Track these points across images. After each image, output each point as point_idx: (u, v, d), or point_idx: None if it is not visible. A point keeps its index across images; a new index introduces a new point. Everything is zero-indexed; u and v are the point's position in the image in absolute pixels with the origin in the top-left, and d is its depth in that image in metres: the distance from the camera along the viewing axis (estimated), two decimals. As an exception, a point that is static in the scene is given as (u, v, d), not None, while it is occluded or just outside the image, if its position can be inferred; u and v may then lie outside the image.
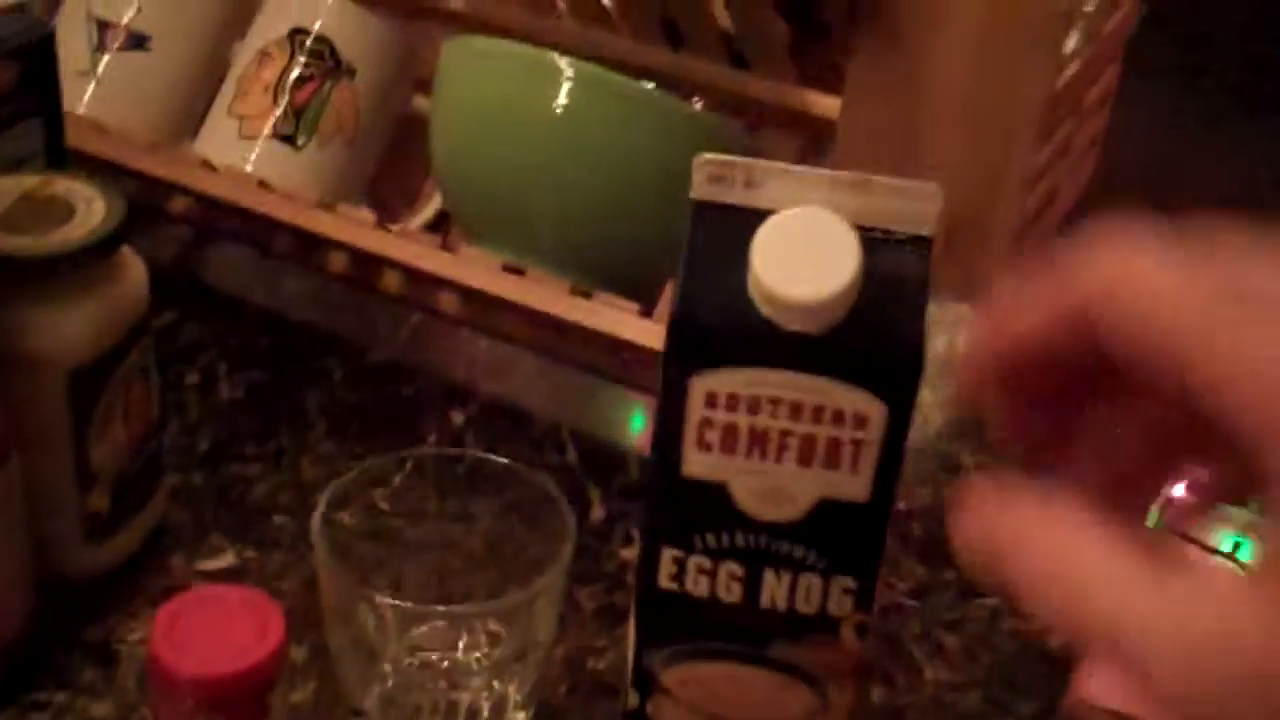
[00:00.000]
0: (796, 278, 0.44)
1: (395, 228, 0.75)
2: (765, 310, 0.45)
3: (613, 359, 0.66)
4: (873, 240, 0.46)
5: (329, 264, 0.74)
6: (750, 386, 0.46)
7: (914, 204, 0.46)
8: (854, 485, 0.47)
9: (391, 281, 0.73)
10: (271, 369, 0.76)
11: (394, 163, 0.81)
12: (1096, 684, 0.58)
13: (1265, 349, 0.29)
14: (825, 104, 0.70)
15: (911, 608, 0.66)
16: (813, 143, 0.74)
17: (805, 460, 0.46)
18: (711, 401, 0.46)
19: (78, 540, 0.60)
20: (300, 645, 0.60)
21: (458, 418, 0.75)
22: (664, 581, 0.49)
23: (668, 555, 0.49)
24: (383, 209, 0.81)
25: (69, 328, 0.56)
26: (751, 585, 0.49)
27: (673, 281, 0.65)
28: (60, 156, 0.62)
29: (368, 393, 0.76)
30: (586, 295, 0.64)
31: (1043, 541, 0.32)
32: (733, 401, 0.46)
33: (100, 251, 0.56)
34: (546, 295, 0.63)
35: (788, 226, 0.45)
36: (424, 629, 0.56)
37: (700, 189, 0.47)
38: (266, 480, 0.69)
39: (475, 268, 0.64)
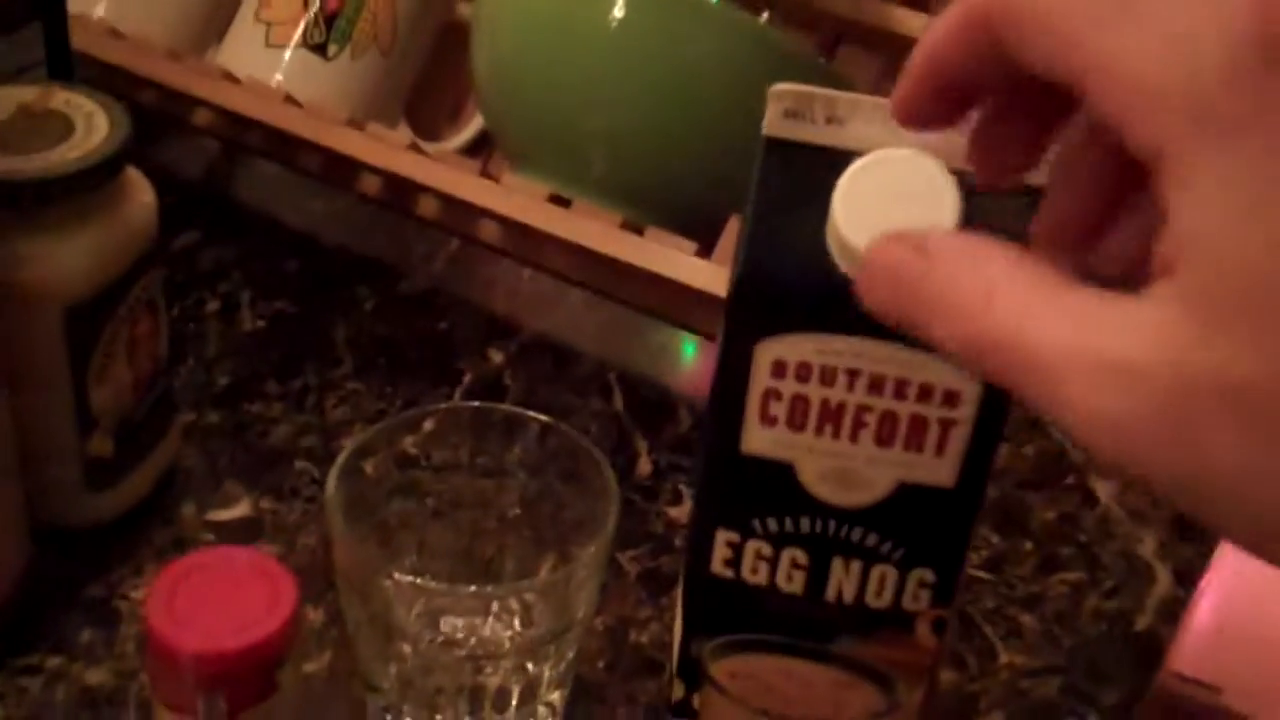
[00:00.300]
0: (885, 231, 0.38)
1: (432, 149, 0.69)
2: (846, 268, 0.39)
3: (667, 299, 0.60)
4: (974, 187, 0.39)
5: (360, 185, 0.69)
6: (824, 355, 0.40)
7: None
8: (939, 470, 0.41)
9: (428, 207, 0.67)
10: (298, 297, 0.71)
11: (435, 75, 0.75)
12: (1189, 656, 0.52)
13: (1126, 38, 0.26)
14: (911, 21, 0.63)
15: (985, 581, 0.60)
16: (895, 64, 0.67)
17: (884, 440, 0.41)
18: (779, 370, 0.40)
19: (78, 487, 0.55)
20: (317, 608, 0.55)
21: (496, 356, 0.69)
22: (717, 566, 0.44)
23: (722, 538, 0.43)
24: (422, 126, 0.75)
25: (65, 258, 0.50)
26: (817, 575, 0.43)
27: (736, 221, 0.59)
28: (64, 67, 0.56)
29: (400, 325, 0.70)
30: (639, 231, 0.58)
31: (949, 251, 0.30)
32: (804, 371, 0.40)
33: (100, 174, 0.50)
34: (595, 230, 0.57)
35: (876, 171, 0.38)
36: (448, 602, 0.51)
37: (774, 124, 0.40)
38: (288, 421, 0.64)
39: (517, 198, 0.58)
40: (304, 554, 0.58)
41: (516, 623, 0.50)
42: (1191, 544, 0.63)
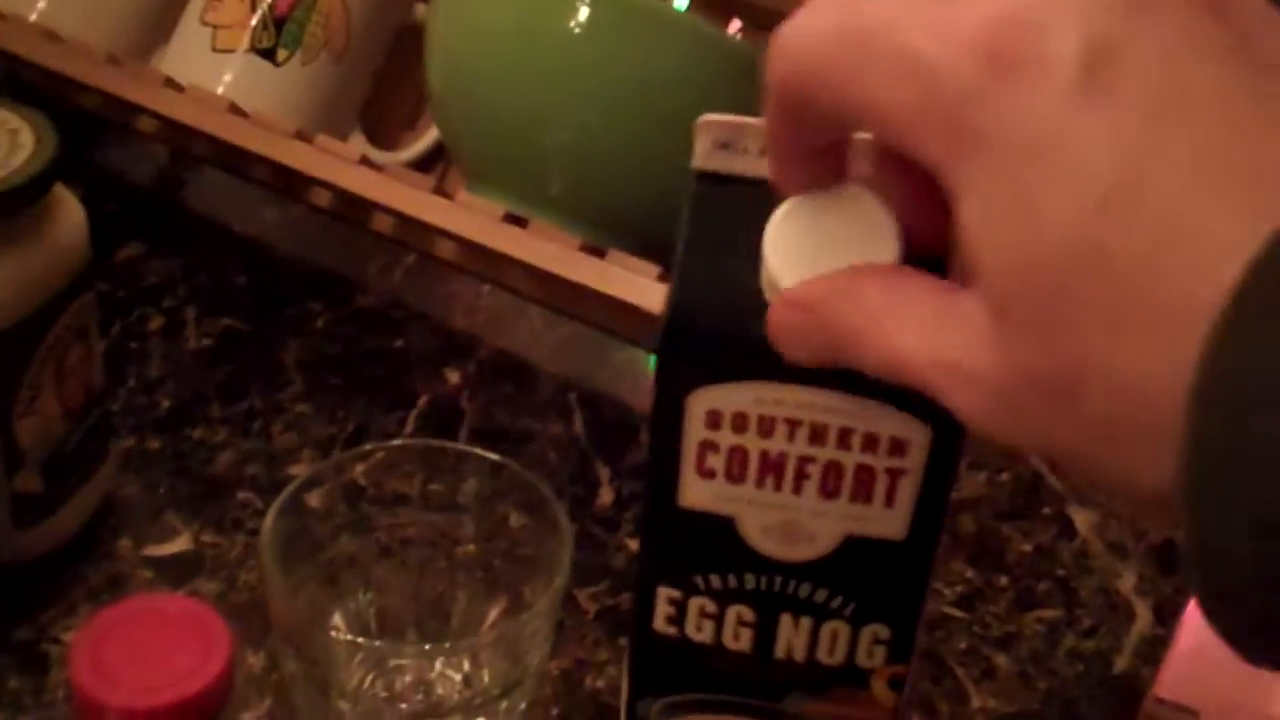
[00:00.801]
0: (820, 273, 0.35)
1: (387, 158, 0.66)
2: None
3: (628, 321, 0.57)
4: None
5: (312, 198, 0.66)
6: (763, 405, 0.37)
7: None
8: (889, 521, 0.38)
9: (382, 222, 0.64)
10: (246, 314, 0.68)
11: (391, 80, 0.72)
12: (1174, 681, 0.50)
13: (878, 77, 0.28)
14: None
15: (958, 619, 0.58)
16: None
17: (830, 492, 0.38)
18: (714, 421, 0.37)
19: (4, 525, 0.52)
20: (257, 653, 0.52)
21: (453, 376, 0.66)
22: (660, 624, 0.41)
23: (664, 595, 0.41)
24: (378, 133, 0.72)
25: (-14, 286, 0.47)
26: (764, 632, 0.41)
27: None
28: (-11, 77, 0.53)
29: (353, 343, 0.67)
30: (599, 253, 0.55)
31: (824, 295, 0.32)
32: (741, 421, 0.37)
33: (24, 196, 0.47)
34: (553, 252, 0.54)
35: (809, 208, 0.36)
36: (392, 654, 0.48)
37: (705, 157, 0.38)
38: (232, 448, 0.61)
39: (473, 217, 0.55)
40: (244, 591, 0.55)
41: (466, 666, 0.48)
42: (1173, 578, 0.60)
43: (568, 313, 0.63)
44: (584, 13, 0.56)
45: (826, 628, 0.40)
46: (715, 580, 0.40)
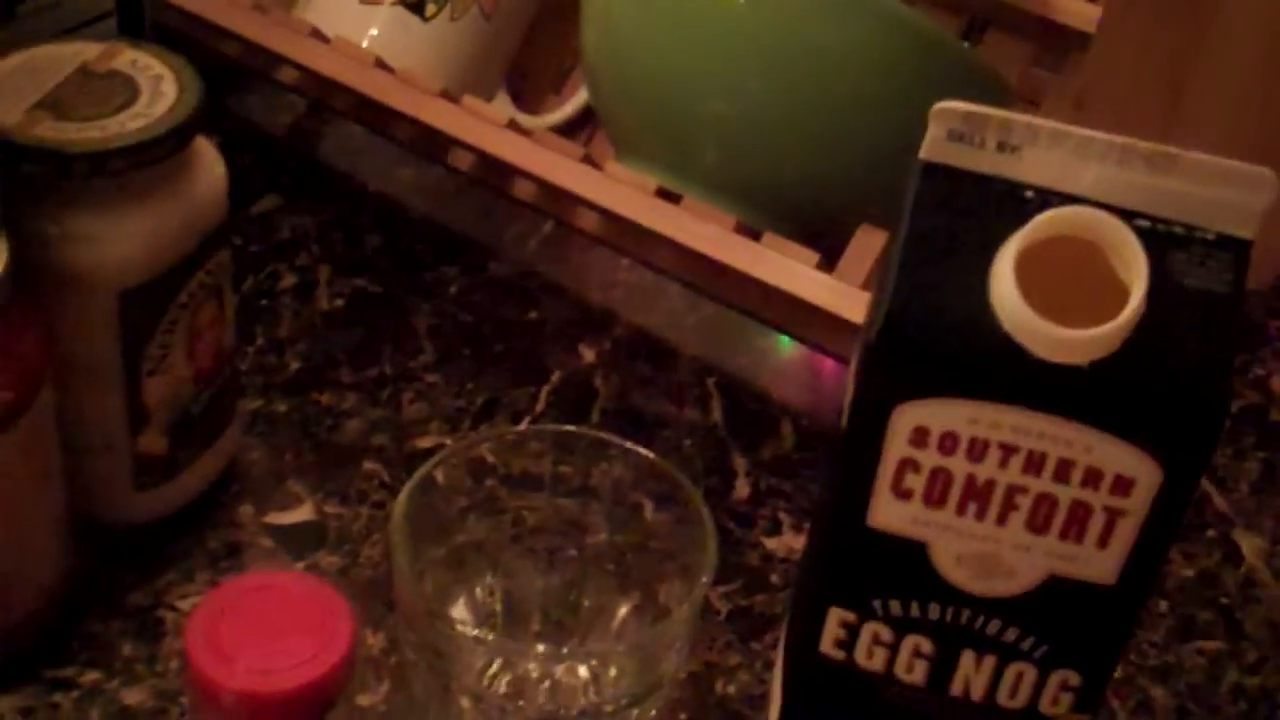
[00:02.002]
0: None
1: (534, 122, 0.63)
2: (1010, 328, 0.33)
3: (781, 309, 0.54)
4: (1170, 238, 0.33)
5: (453, 160, 0.63)
6: (976, 426, 0.34)
7: (1233, 192, 0.33)
8: (1099, 564, 0.35)
9: (524, 189, 0.62)
10: (379, 275, 0.66)
11: (540, 40, 0.69)
12: None
13: None
14: (1076, 9, 0.56)
15: (1114, 645, 0.54)
16: (1049, 51, 0.60)
17: (1038, 526, 0.35)
18: (920, 439, 0.34)
19: (126, 487, 0.50)
20: (376, 633, 0.50)
21: (588, 353, 0.64)
22: (827, 646, 0.38)
23: (836, 617, 0.38)
24: (524, 95, 0.69)
25: (121, 239, 0.45)
26: (942, 666, 0.38)
27: (866, 233, 0.53)
28: (135, 21, 0.51)
29: (486, 312, 0.65)
30: (754, 235, 0.52)
31: None
32: (949, 442, 0.34)
33: (164, 146, 0.45)
34: (706, 232, 0.52)
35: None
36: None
37: (935, 148, 0.34)
38: (360, 416, 0.59)
39: (622, 189, 0.53)
40: (366, 567, 0.53)
41: (594, 664, 0.45)
42: (1348, 615, 0.56)
43: (713, 295, 0.60)
44: (752, -21, 0.53)
45: (1012, 669, 0.37)
46: (896, 607, 0.37)
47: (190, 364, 0.49)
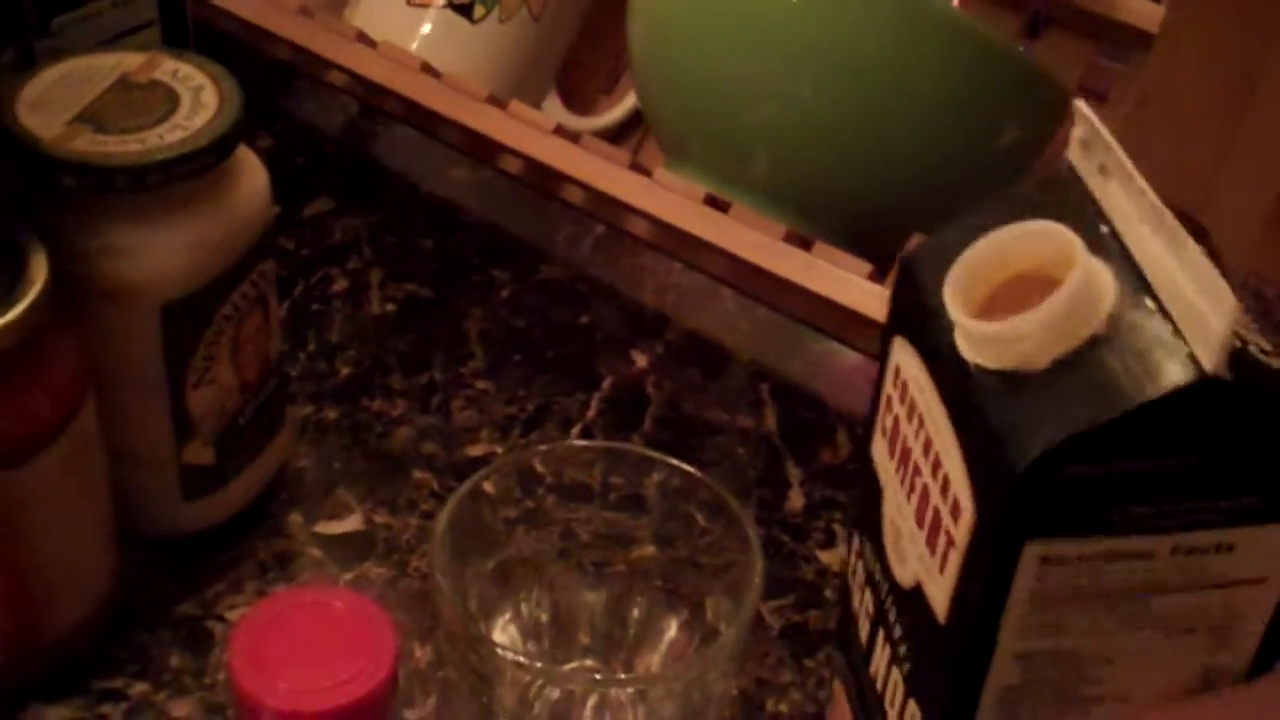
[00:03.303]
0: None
1: (583, 125, 0.63)
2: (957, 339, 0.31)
3: (832, 318, 0.53)
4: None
5: (503, 163, 0.63)
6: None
7: (1206, 305, 0.30)
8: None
9: (573, 193, 0.61)
10: (430, 279, 0.65)
11: (590, 40, 0.68)
12: None
13: None
14: (1139, 8, 0.54)
15: None
16: (1106, 52, 0.59)
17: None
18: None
19: (174, 497, 0.50)
20: (424, 645, 0.50)
21: (640, 358, 0.63)
22: None
23: None
24: (573, 96, 0.69)
25: (163, 251, 0.45)
26: None
27: (920, 241, 0.51)
28: (180, 30, 0.51)
29: (536, 317, 0.64)
30: (805, 245, 0.51)
31: None
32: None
33: (205, 158, 0.45)
34: (755, 240, 0.51)
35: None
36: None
37: (1072, 149, 0.33)
38: (410, 423, 0.58)
39: (670, 197, 0.52)
40: (415, 579, 0.52)
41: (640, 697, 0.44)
42: None
43: (765, 301, 0.59)
44: (804, -21, 0.52)
45: None
46: None
47: (236, 374, 0.49)
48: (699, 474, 0.45)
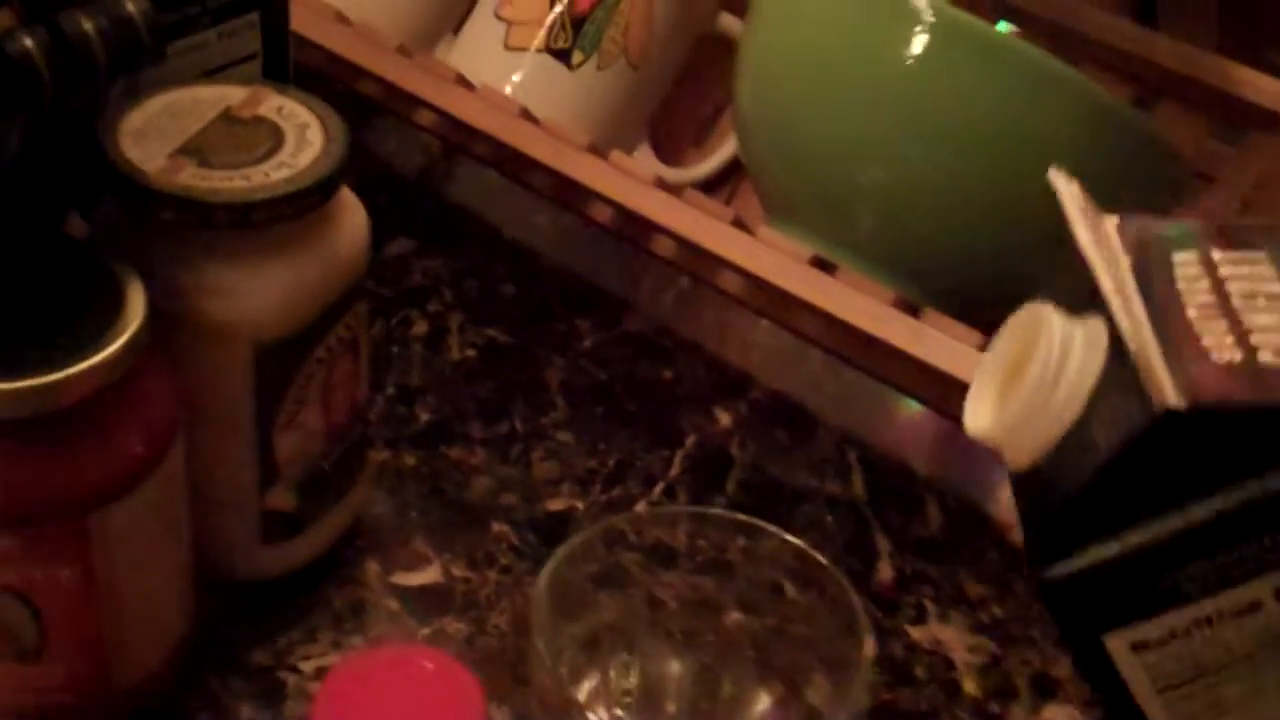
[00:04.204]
0: None
1: (675, 176, 0.61)
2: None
3: (936, 388, 0.51)
4: None
5: (592, 211, 0.61)
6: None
7: None
8: None
9: (664, 245, 0.60)
10: (511, 325, 0.64)
11: (683, 90, 0.67)
12: None
13: None
14: (1260, 84, 0.53)
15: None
16: (1225, 126, 0.57)
17: None
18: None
19: (252, 542, 0.49)
20: (501, 706, 0.48)
21: (724, 417, 0.61)
22: None
23: None
24: (664, 144, 0.67)
25: (260, 292, 0.44)
26: None
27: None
28: (280, 66, 0.50)
29: (619, 369, 0.63)
30: (913, 311, 0.49)
31: None
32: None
33: (309, 199, 0.44)
34: (861, 305, 0.49)
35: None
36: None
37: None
38: (489, 473, 0.57)
39: (774, 258, 0.50)
40: (493, 637, 0.51)
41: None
42: None
43: (860, 366, 0.57)
44: (920, 40, 0.50)
45: None
46: None
47: (323, 418, 0.48)
48: (793, 542, 0.44)
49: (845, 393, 0.63)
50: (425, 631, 0.51)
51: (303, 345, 0.46)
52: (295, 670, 0.49)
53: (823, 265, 0.50)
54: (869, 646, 0.41)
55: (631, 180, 0.53)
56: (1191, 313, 0.30)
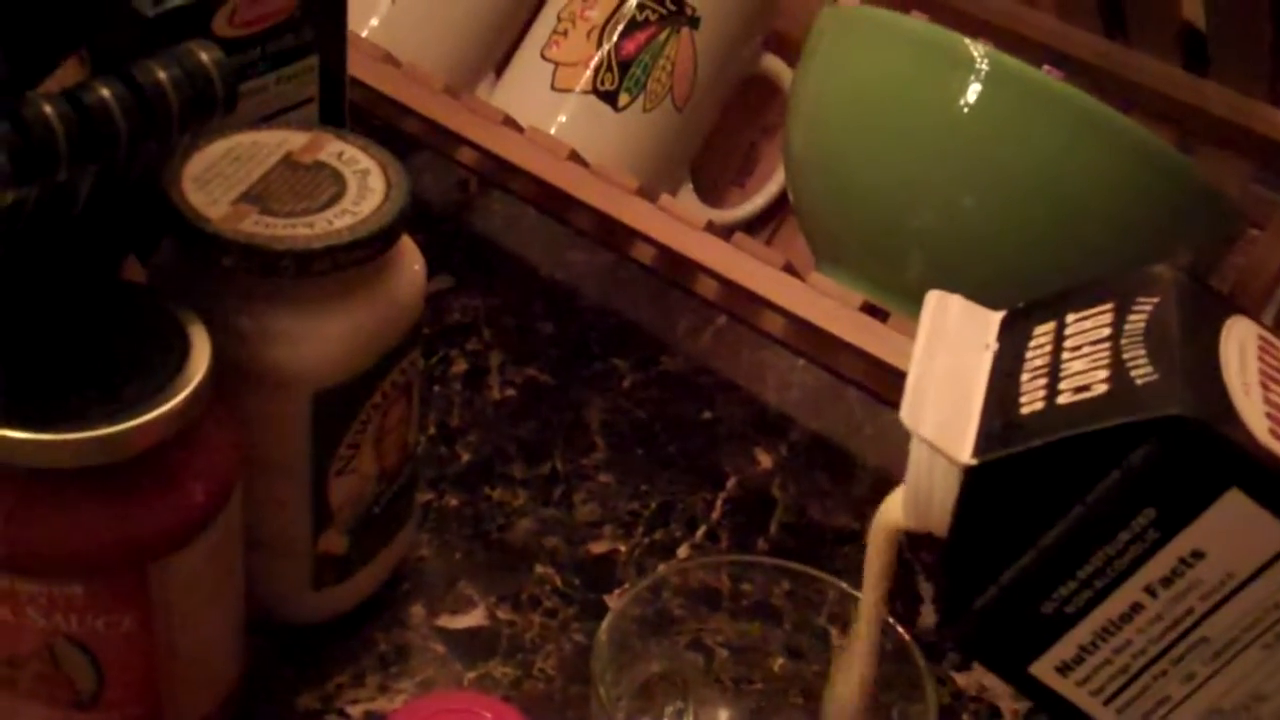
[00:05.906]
0: None
1: (718, 217, 0.61)
2: None
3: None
4: None
5: (635, 252, 0.62)
6: None
7: None
8: None
9: (706, 286, 0.60)
10: (550, 365, 0.64)
11: (728, 129, 0.67)
12: None
13: None
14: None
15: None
16: (1270, 171, 0.57)
17: None
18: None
19: (304, 586, 0.49)
20: (550, 753, 0.48)
21: (764, 458, 0.61)
22: None
23: None
24: (706, 184, 0.68)
25: (320, 339, 0.44)
26: None
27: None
28: (337, 112, 0.50)
29: (658, 409, 0.63)
30: (965, 359, 0.49)
31: None
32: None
33: (371, 247, 0.44)
34: (910, 351, 0.49)
35: None
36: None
37: None
38: (532, 514, 0.57)
39: (825, 304, 0.50)
40: (540, 681, 0.51)
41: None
42: None
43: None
44: (973, 88, 0.50)
45: None
46: None
47: (377, 462, 0.48)
48: (839, 585, 0.44)
49: (882, 434, 0.63)
50: (471, 675, 0.51)
51: (360, 391, 0.46)
52: (343, 714, 0.49)
53: (872, 310, 0.50)
54: (931, 693, 0.41)
55: (679, 224, 0.53)
56: (1024, 376, 0.34)
